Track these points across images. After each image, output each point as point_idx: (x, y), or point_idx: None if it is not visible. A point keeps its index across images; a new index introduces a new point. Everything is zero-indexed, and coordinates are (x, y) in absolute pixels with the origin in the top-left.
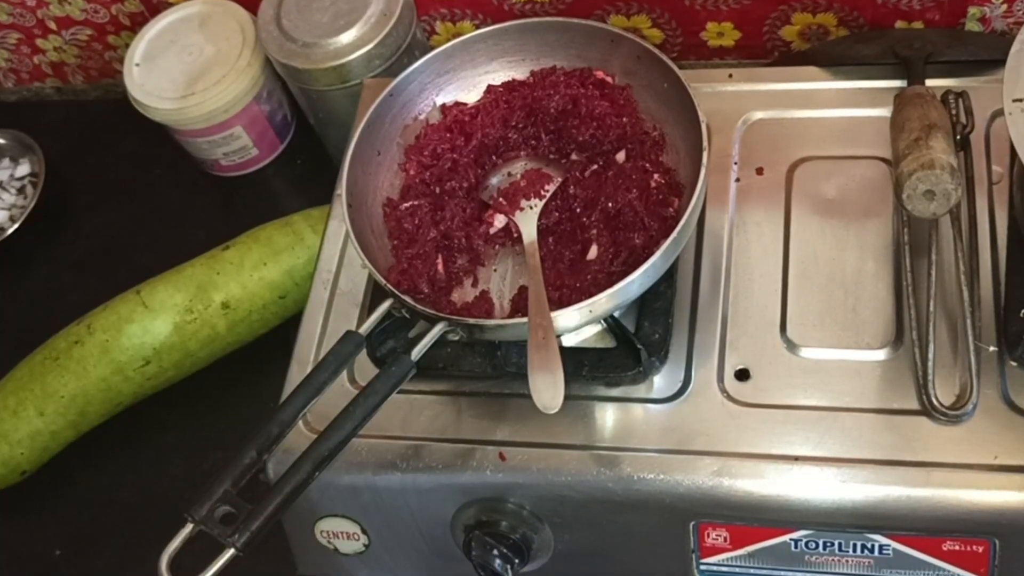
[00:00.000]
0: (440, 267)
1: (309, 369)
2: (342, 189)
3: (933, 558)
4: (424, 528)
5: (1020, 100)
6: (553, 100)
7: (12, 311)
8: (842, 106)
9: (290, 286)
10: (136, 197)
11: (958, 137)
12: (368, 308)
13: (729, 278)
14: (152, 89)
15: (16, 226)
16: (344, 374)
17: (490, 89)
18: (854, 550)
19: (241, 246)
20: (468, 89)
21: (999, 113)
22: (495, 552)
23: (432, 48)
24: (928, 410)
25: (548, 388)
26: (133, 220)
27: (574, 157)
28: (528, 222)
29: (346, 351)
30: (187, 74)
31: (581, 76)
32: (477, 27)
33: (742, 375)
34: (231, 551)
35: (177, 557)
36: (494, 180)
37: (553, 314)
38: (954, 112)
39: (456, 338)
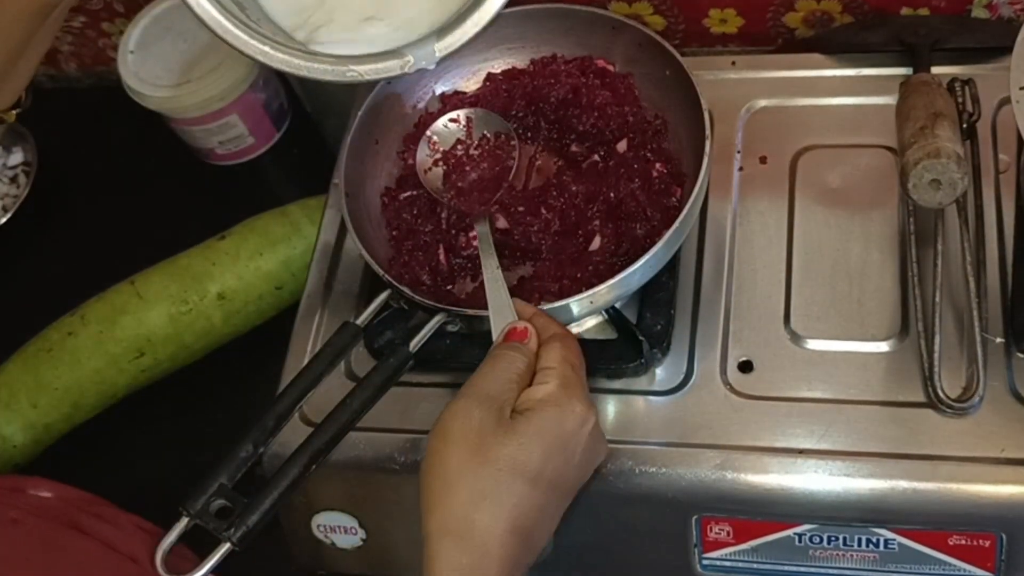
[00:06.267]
0: (442, 258)
1: (306, 361)
2: (340, 178)
3: (939, 552)
4: None
5: None
6: (554, 89)
7: (4, 302)
8: (847, 94)
9: (287, 277)
10: (130, 186)
11: (964, 125)
12: (366, 299)
13: (732, 268)
14: (147, 77)
15: (8, 216)
16: (341, 367)
17: (490, 77)
18: (859, 544)
19: (237, 236)
20: (467, 77)
21: (1006, 101)
22: None
23: None
24: (934, 402)
25: None
26: (127, 209)
27: (574, 148)
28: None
29: (343, 342)
30: (182, 61)
31: (582, 65)
32: None
33: (745, 367)
34: (227, 546)
35: (172, 551)
36: None
37: (554, 305)
38: (960, 100)
39: (455, 329)
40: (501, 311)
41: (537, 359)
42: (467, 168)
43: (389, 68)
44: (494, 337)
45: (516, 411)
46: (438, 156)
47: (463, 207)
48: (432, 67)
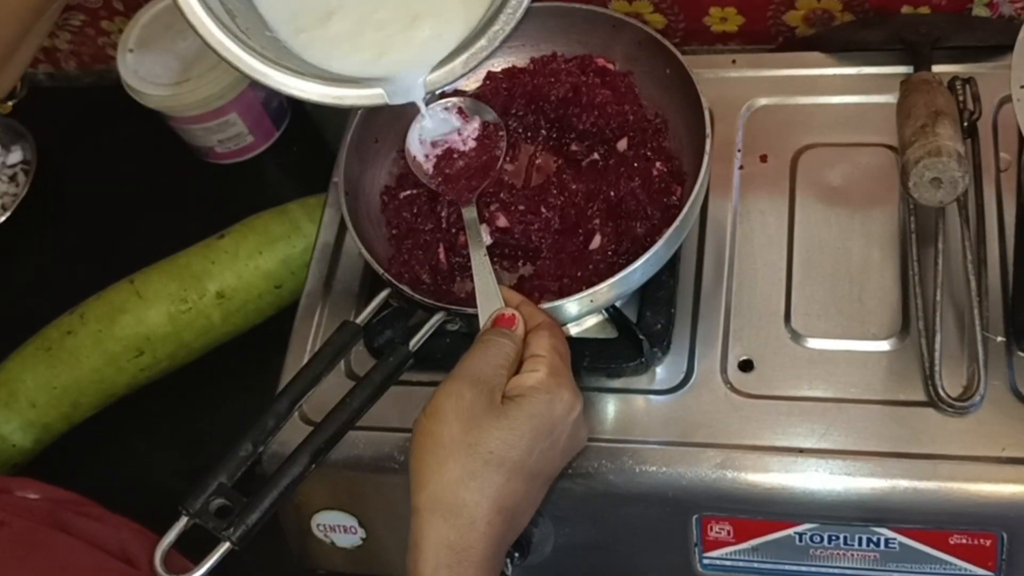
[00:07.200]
0: (442, 257)
1: (305, 360)
2: (340, 177)
3: (940, 552)
4: None
5: None
6: (554, 88)
7: (4, 301)
8: (847, 92)
9: (286, 275)
10: (130, 185)
11: (965, 124)
12: (366, 298)
13: (732, 267)
14: (146, 75)
15: (8, 214)
16: (341, 366)
17: (490, 76)
18: (860, 544)
19: (236, 235)
20: (467, 76)
21: (1007, 99)
22: None
23: None
24: (935, 401)
25: None
26: (127, 208)
27: (574, 147)
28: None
29: (343, 341)
30: (181, 60)
31: (582, 63)
32: None
33: (746, 366)
34: (226, 545)
35: (171, 551)
36: None
37: (554, 304)
38: (961, 98)
39: (455, 328)
40: (489, 297)
41: (524, 347)
42: (455, 155)
43: (371, 97)
44: (481, 323)
45: (507, 397)
46: None
47: (451, 193)
48: (418, 99)
